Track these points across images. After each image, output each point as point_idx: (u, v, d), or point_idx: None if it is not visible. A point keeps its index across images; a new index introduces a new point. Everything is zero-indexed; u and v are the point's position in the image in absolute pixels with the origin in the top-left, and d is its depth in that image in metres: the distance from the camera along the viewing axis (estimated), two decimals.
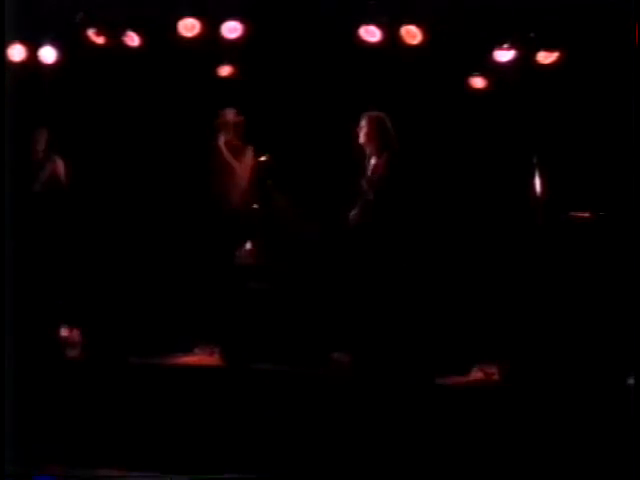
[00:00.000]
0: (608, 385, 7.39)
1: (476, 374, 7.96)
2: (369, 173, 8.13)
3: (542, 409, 7.19)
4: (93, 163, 9.36)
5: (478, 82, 9.19)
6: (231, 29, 9.00)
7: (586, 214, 8.19)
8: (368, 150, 8.17)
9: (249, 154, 8.88)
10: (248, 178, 8.86)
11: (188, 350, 8.46)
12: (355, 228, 8.15)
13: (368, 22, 8.81)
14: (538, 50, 8.81)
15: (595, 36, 8.56)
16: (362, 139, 8.16)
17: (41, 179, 8.80)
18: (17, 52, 9.07)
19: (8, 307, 7.02)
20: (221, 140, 8.85)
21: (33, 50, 9.15)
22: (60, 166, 8.89)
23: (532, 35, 8.74)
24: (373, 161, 8.13)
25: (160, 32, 9.11)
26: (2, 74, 7.90)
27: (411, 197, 8.10)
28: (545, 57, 8.83)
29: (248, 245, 8.93)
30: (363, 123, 8.18)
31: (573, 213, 8.23)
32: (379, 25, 8.81)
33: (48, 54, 9.18)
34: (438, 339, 7.98)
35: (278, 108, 9.28)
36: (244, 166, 8.86)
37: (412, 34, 8.81)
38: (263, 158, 8.94)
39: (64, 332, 8.52)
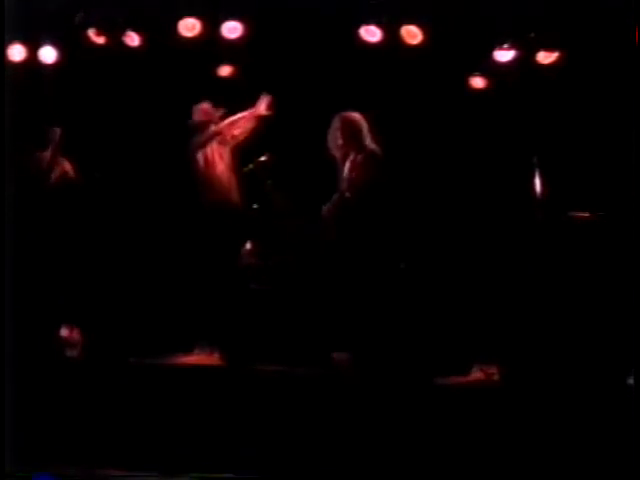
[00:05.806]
0: (608, 385, 7.39)
1: (476, 374, 7.96)
2: (346, 172, 8.09)
3: (542, 409, 7.19)
4: (94, 163, 9.36)
5: (478, 82, 9.20)
6: (231, 29, 9.01)
7: (586, 214, 8.20)
8: (344, 150, 8.14)
9: (227, 152, 8.85)
10: (229, 175, 8.82)
11: (188, 350, 8.46)
12: (327, 222, 8.16)
13: (368, 22, 8.82)
14: (538, 50, 8.83)
15: (595, 36, 8.58)
16: (338, 141, 8.14)
17: (51, 179, 8.83)
18: (17, 52, 9.06)
19: (8, 306, 7.02)
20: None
21: (33, 50, 9.15)
22: (68, 166, 8.92)
23: (532, 35, 8.76)
24: (350, 159, 8.10)
25: (160, 32, 9.12)
26: (2, 74, 7.90)
27: (391, 197, 8.08)
28: (545, 57, 8.84)
29: (248, 245, 8.93)
30: (337, 125, 8.16)
31: (573, 213, 8.24)
32: (379, 25, 8.82)
33: (48, 54, 9.18)
34: (438, 339, 7.98)
35: (278, 108, 9.27)
36: (225, 164, 8.82)
37: (412, 34, 8.82)
38: (263, 158, 8.95)
39: (64, 332, 8.52)
